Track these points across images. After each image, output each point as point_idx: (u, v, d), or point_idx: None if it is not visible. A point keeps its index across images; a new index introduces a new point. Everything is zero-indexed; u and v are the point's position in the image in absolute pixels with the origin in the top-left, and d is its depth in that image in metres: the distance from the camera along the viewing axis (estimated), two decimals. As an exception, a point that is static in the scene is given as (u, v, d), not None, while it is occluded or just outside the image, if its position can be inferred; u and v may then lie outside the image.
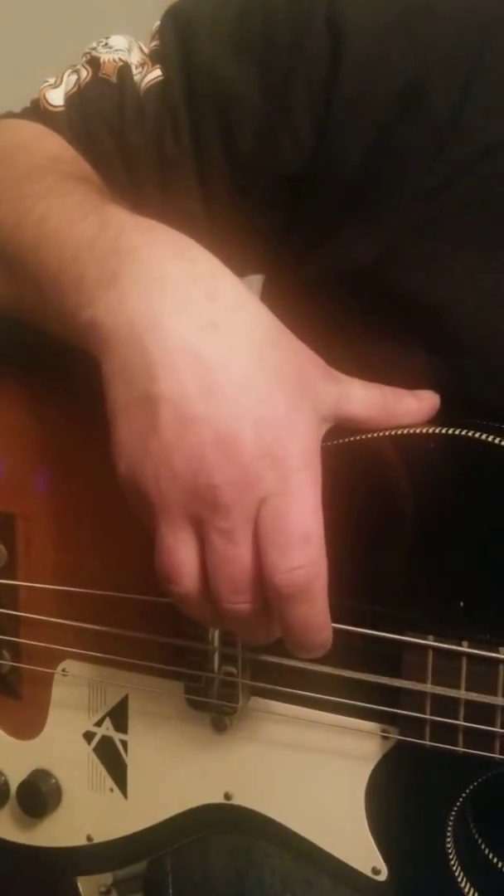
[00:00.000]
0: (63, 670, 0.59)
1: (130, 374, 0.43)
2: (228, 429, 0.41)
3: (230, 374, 0.42)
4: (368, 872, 0.52)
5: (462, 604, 0.48)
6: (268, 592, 0.42)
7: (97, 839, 0.59)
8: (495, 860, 0.54)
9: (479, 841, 0.54)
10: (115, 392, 0.43)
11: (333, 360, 0.51)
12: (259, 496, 0.42)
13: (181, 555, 0.43)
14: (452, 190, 0.51)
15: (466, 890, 0.51)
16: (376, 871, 0.52)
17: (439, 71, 0.50)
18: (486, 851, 0.54)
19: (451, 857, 0.51)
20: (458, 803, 0.50)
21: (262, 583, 0.42)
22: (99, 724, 0.58)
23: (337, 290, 0.56)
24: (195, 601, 0.44)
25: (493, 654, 0.47)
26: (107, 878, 0.70)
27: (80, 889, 0.68)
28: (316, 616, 0.44)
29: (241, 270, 0.67)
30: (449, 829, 0.50)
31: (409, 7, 0.51)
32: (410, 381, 0.52)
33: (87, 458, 0.54)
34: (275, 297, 0.64)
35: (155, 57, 0.58)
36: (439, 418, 0.51)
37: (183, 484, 0.42)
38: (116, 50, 0.60)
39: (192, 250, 0.45)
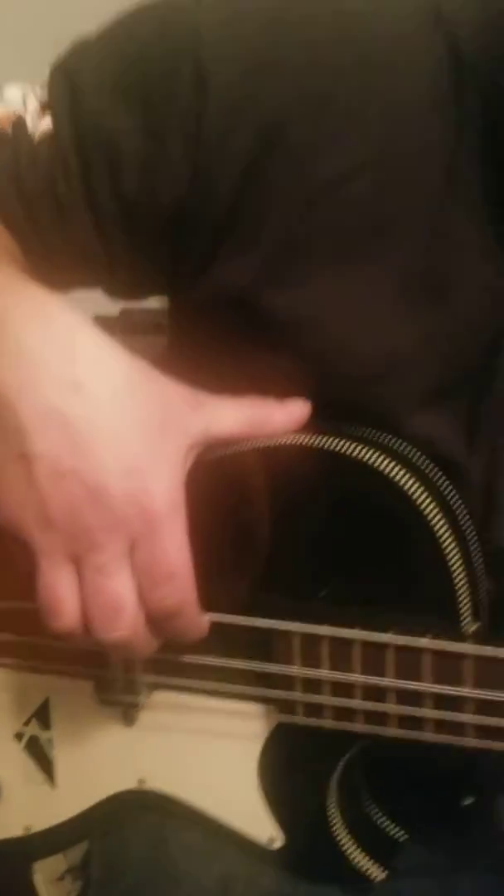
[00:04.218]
0: (-9, 678, 0.64)
1: (5, 434, 0.48)
2: (98, 481, 0.47)
3: (96, 431, 0.47)
4: (265, 841, 0.57)
5: (322, 593, 0.54)
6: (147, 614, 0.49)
7: (35, 829, 0.65)
8: (388, 824, 0.59)
9: (374, 808, 0.60)
10: None
11: (225, 372, 0.57)
12: (129, 537, 0.48)
13: (61, 591, 0.49)
14: (312, 218, 0.56)
15: (350, 854, 0.56)
16: (272, 840, 0.57)
17: (296, 109, 0.55)
18: (379, 816, 0.59)
19: (333, 823, 0.56)
20: (334, 774, 0.55)
21: (139, 608, 0.49)
22: (27, 724, 0.64)
23: (221, 311, 0.61)
24: (77, 634, 0.49)
25: (349, 635, 0.52)
26: (61, 866, 0.76)
27: (37, 877, 0.74)
28: (189, 625, 0.51)
29: (143, 293, 0.73)
30: (330, 797, 0.56)
31: (264, 58, 0.55)
32: (286, 387, 0.57)
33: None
34: (177, 316, 0.70)
35: (46, 108, 0.63)
36: (309, 421, 0.56)
37: (61, 528, 0.47)
38: (11, 102, 0.65)
39: (51, 310, 0.50)
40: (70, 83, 0.62)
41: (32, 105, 0.65)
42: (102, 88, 0.60)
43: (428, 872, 0.61)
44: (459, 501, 0.54)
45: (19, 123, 0.63)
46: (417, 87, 0.56)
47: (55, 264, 0.63)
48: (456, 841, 0.63)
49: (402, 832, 0.59)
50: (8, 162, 0.62)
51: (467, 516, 0.54)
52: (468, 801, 0.64)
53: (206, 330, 0.64)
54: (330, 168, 0.55)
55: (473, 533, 0.53)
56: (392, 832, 0.59)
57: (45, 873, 0.76)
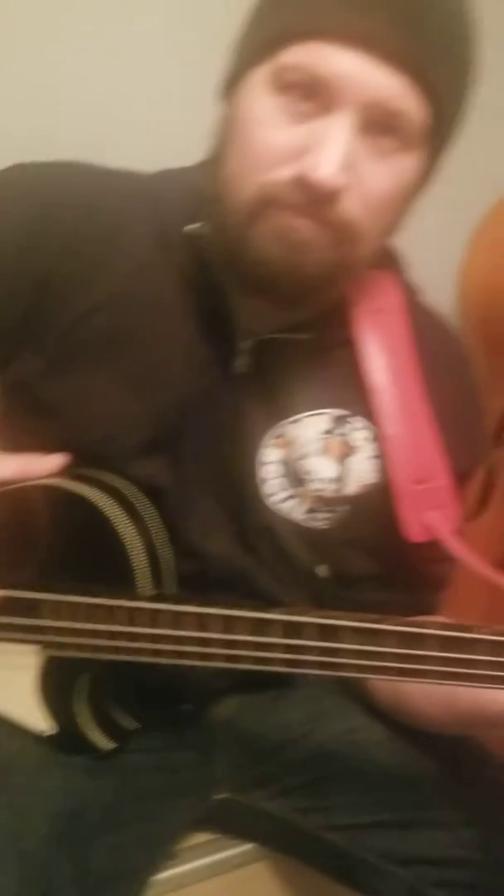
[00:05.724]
0: None
1: None
2: None
3: None
4: (41, 731, 0.90)
5: (70, 577, 0.86)
6: None
7: None
8: (123, 718, 0.92)
9: (114, 706, 0.92)
10: None
11: (24, 427, 0.90)
12: None
13: None
14: (73, 336, 0.88)
15: (94, 737, 0.89)
16: (46, 730, 0.90)
17: (58, 269, 0.87)
18: (117, 712, 0.92)
19: (77, 718, 0.89)
20: (80, 685, 0.88)
21: None
22: None
23: (18, 390, 0.93)
24: None
25: (80, 600, 0.85)
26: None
27: None
28: None
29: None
30: (78, 701, 0.89)
31: (40, 236, 0.87)
32: (56, 445, 0.89)
33: None
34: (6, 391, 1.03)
35: None
36: (68, 467, 0.88)
37: None
38: None
39: None
40: None
41: None
42: None
43: (148, 752, 0.94)
44: (154, 513, 0.87)
45: None
46: (138, 253, 0.88)
47: None
48: (174, 732, 0.97)
49: (135, 723, 0.92)
50: None
51: (160, 522, 0.87)
52: (186, 707, 0.97)
53: (18, 403, 0.97)
54: (81, 305, 0.88)
55: (162, 532, 0.86)
56: (126, 723, 0.92)
57: None
